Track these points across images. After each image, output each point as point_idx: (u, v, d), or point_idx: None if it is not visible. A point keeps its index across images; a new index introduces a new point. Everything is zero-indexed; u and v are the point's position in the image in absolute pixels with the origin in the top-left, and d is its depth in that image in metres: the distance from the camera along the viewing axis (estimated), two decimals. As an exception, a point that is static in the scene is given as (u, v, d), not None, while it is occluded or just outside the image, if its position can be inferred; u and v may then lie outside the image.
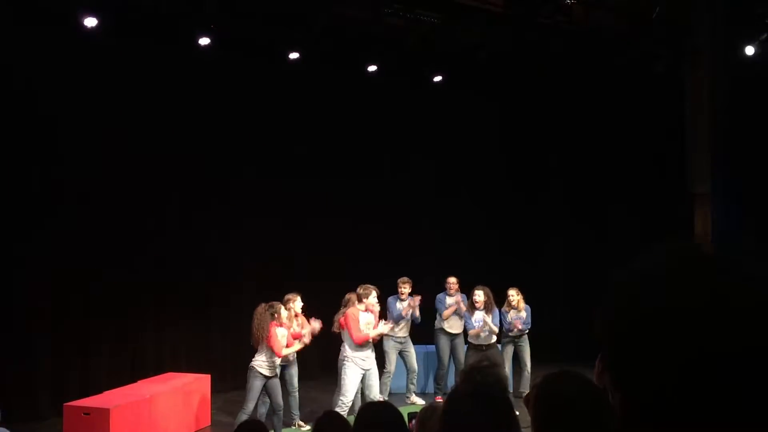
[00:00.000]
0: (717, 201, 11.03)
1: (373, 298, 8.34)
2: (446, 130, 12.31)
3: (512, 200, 12.75)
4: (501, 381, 2.14)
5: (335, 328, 8.66)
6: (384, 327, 8.49)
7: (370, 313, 8.39)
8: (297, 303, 8.27)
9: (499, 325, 9.24)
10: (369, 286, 8.39)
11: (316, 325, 8.36)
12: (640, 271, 0.86)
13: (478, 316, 9.02)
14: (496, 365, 2.67)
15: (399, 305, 9.54)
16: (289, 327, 8.07)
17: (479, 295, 9.04)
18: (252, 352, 7.86)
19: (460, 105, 12.20)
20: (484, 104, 12.33)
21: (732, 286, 0.80)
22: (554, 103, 12.50)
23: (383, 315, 9.15)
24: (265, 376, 7.72)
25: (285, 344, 7.85)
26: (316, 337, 8.46)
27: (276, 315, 7.80)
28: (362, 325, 8.26)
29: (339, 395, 8.21)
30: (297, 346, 8.15)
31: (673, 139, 11.49)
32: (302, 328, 8.28)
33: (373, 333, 8.31)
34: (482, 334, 9.13)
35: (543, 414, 2.19)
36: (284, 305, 8.03)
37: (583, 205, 12.60)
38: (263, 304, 7.88)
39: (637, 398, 0.82)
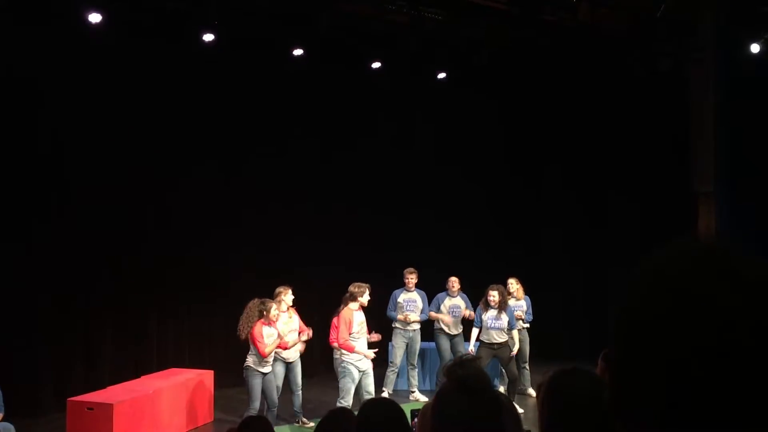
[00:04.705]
0: (720, 200, 11.00)
1: (366, 297, 8.20)
2: (449, 127, 12.29)
3: (514, 198, 12.72)
4: (483, 373, 2.14)
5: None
6: (372, 344, 8.39)
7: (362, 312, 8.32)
8: (288, 296, 8.12)
9: (511, 323, 9.20)
10: (362, 284, 8.23)
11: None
12: (650, 271, 0.83)
13: (492, 313, 9.01)
14: (478, 358, 2.67)
15: (403, 296, 9.54)
16: (285, 321, 8.03)
17: (494, 295, 9.02)
18: (246, 347, 7.85)
19: (464, 102, 12.17)
20: (488, 101, 12.30)
21: (746, 289, 0.77)
22: (558, 101, 12.46)
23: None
24: (262, 373, 7.71)
25: (270, 343, 7.68)
26: (316, 335, 8.41)
27: (265, 313, 7.70)
28: (356, 326, 8.07)
29: (338, 398, 8.12)
30: (295, 345, 8.07)
31: (676, 138, 11.47)
32: (294, 322, 8.20)
33: (361, 350, 8.11)
34: (495, 332, 9.06)
35: (552, 410, 2.20)
36: (274, 298, 7.93)
37: (585, 206, 12.57)
38: (255, 300, 7.82)
39: (634, 402, 0.81)
